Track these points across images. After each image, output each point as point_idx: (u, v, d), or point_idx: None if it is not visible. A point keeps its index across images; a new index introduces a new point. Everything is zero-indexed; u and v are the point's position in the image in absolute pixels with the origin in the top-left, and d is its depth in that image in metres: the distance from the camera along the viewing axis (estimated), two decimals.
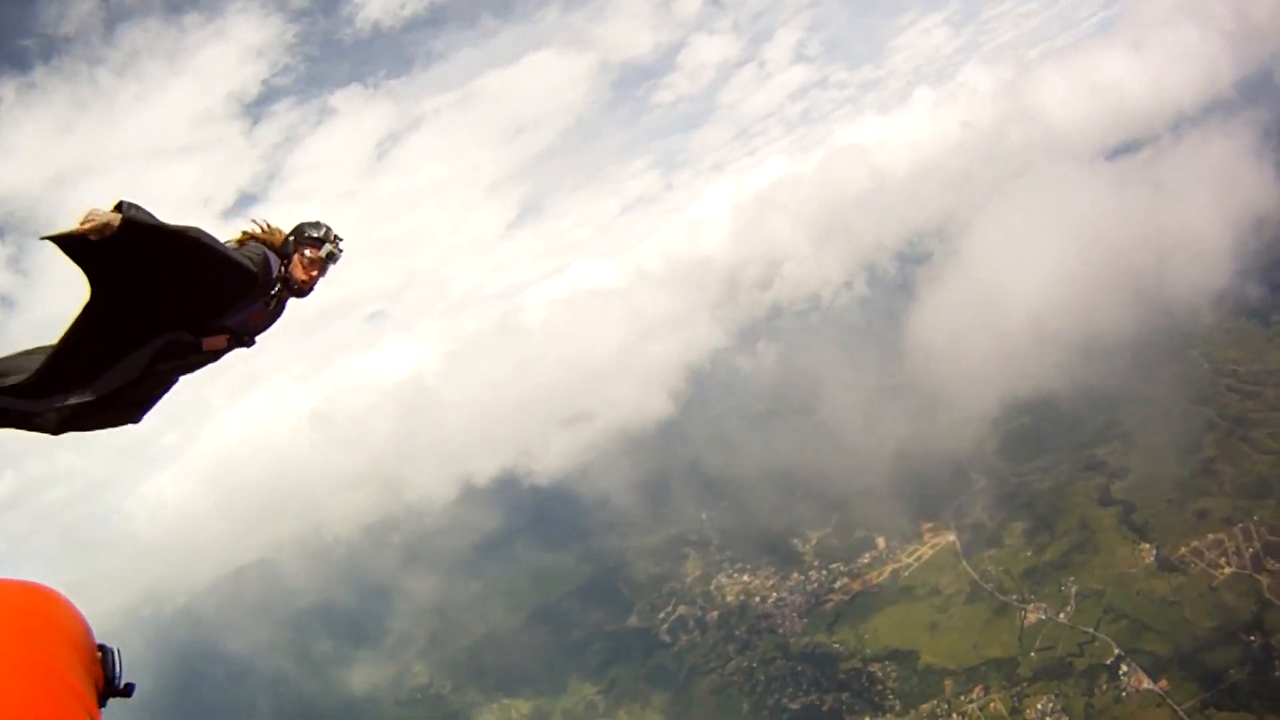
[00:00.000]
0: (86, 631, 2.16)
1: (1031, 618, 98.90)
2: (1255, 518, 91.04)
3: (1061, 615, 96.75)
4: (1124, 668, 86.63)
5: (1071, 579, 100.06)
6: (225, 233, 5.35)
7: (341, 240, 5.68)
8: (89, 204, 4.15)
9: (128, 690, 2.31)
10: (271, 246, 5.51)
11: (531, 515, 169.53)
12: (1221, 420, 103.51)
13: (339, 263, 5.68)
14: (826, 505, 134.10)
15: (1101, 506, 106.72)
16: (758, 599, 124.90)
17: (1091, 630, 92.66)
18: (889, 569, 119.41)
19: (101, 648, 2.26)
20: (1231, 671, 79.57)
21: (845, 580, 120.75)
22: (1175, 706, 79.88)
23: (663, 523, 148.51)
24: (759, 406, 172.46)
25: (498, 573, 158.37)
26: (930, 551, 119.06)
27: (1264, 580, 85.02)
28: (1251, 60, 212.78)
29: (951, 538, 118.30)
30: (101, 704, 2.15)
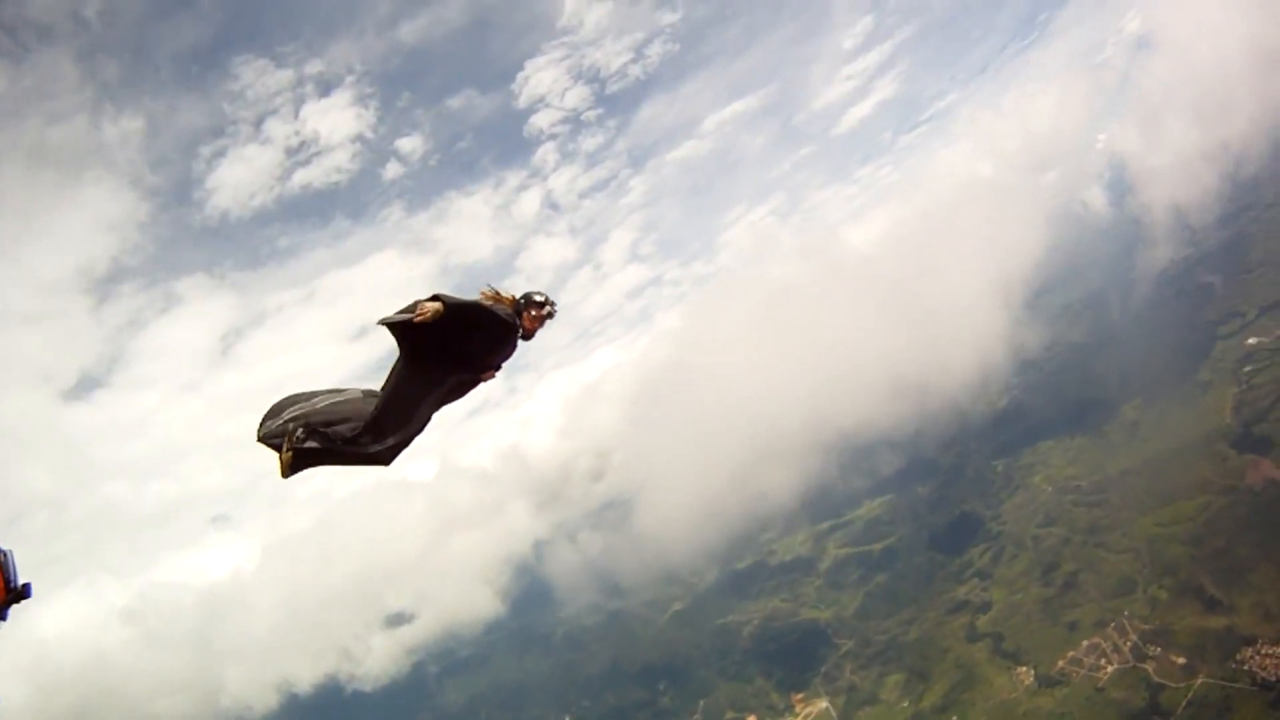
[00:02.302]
0: None
1: None
2: (1126, 613, 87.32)
3: None
4: None
5: (954, 718, 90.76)
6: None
7: (556, 305, 7.15)
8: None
9: (25, 591, 2.21)
10: (506, 304, 7.00)
11: None
12: (1074, 535, 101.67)
13: (554, 319, 7.24)
14: (690, 692, 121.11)
15: (971, 643, 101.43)
16: None
17: None
18: None
19: None
20: None
21: None
22: None
23: None
24: (607, 600, 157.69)
25: None
26: None
27: (1149, 667, 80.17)
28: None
29: (824, 704, 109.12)
30: (2, 611, 2.11)
